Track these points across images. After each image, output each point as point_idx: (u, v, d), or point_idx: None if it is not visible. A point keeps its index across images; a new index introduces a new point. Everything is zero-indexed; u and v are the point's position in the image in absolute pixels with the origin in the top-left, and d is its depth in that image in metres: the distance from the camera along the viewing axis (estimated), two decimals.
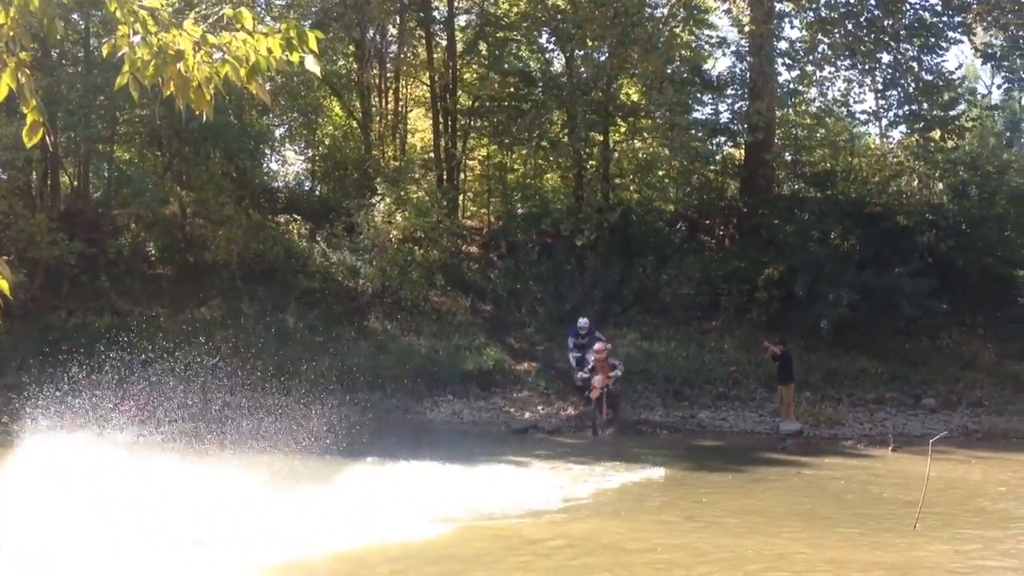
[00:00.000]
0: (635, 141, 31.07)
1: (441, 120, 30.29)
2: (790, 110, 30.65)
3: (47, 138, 4.94)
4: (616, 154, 30.17)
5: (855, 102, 30.84)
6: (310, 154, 33.01)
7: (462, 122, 30.73)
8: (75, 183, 27.56)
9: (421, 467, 15.11)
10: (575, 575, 9.85)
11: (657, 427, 21.07)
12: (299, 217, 27.77)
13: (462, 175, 31.47)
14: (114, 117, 25.84)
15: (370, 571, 9.80)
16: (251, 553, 9.94)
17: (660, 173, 30.86)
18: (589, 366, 20.45)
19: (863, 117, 31.82)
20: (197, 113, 5.57)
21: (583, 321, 21.96)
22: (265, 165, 30.98)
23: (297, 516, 11.27)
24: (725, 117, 30.40)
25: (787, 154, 30.71)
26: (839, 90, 30.49)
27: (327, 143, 32.38)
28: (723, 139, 30.60)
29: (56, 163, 26.34)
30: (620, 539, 11.20)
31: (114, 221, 26.38)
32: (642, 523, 12.03)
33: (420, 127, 33.52)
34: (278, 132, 31.38)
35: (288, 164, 33.54)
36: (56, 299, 23.96)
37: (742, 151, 30.40)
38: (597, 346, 20.31)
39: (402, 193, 26.67)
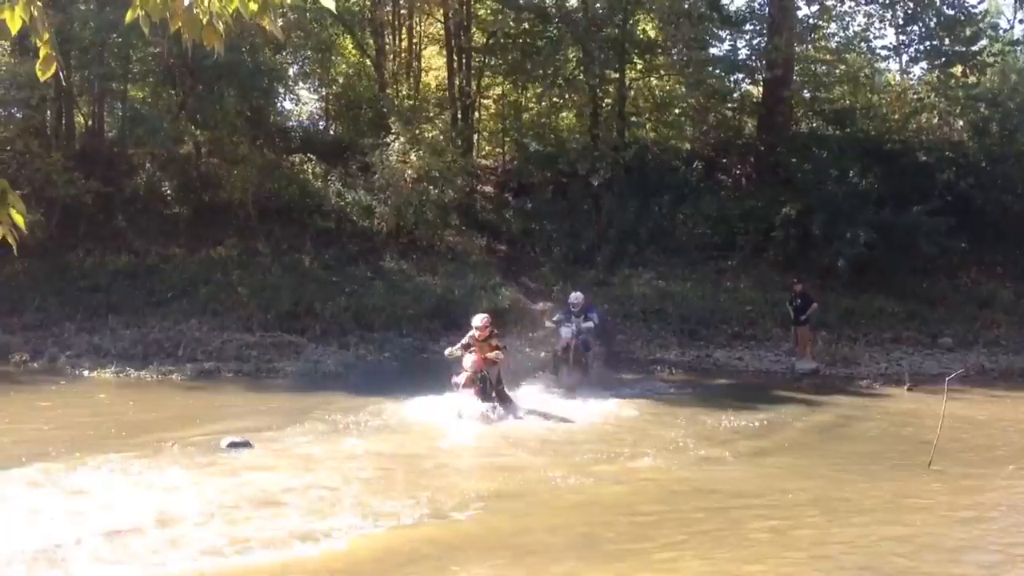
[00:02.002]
0: (651, 78, 30.67)
1: (455, 58, 29.96)
2: (809, 46, 30.21)
3: (60, 75, 4.89)
4: (632, 92, 29.85)
5: (875, 37, 30.47)
6: (324, 93, 32.77)
7: (476, 60, 30.39)
8: (90, 122, 27.49)
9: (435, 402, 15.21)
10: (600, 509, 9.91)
11: (672, 366, 21.09)
12: (313, 156, 27.62)
13: (476, 114, 31.22)
14: (127, 55, 25.68)
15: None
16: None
17: (676, 111, 30.55)
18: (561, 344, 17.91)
19: (883, 53, 31.37)
20: (210, 49, 5.50)
21: (576, 295, 18.42)
22: (279, 104, 30.81)
23: None
24: (743, 53, 30.08)
25: (806, 91, 30.33)
26: (859, 25, 30.10)
27: (341, 82, 32.11)
28: (741, 76, 30.26)
29: (70, 102, 26.26)
30: (622, 474, 11.27)
31: (129, 160, 26.36)
32: (645, 459, 12.08)
33: (434, 65, 33.18)
34: (292, 70, 31.11)
35: (302, 103, 33.33)
36: (73, 238, 24.01)
37: (760, 88, 30.04)
38: (477, 321, 15.07)
39: (416, 132, 26.50)
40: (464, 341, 14.94)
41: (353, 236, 25.77)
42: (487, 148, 32.44)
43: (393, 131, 26.22)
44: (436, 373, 16.29)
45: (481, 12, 30.45)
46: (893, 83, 32.22)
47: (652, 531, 9.05)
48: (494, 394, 14.89)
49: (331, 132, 31.91)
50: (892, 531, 9.11)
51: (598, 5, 28.49)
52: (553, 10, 29.43)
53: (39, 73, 5.39)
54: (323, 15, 28.48)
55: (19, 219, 5.19)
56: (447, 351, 14.98)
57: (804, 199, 25.32)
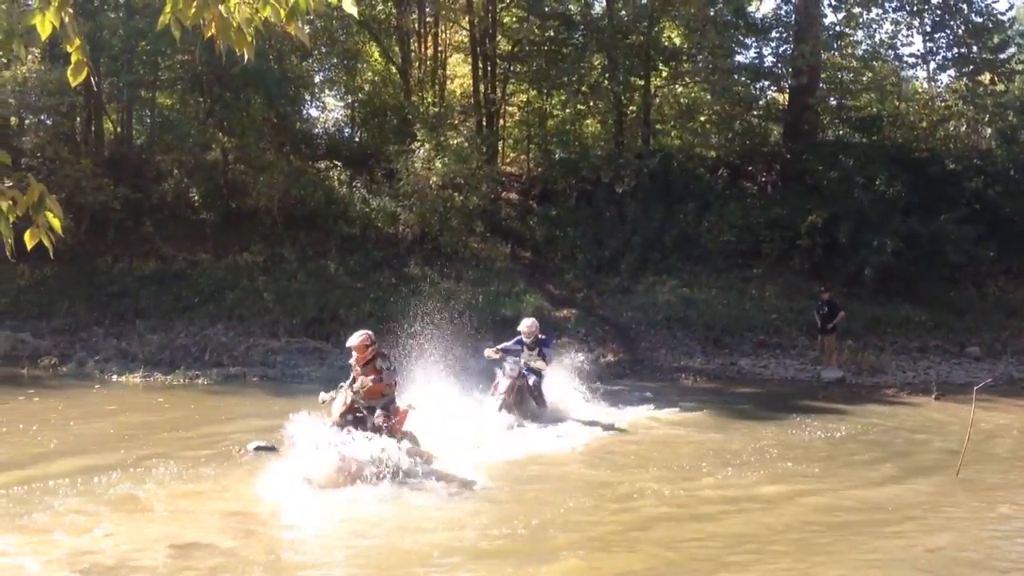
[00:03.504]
0: (676, 85, 30.65)
1: (480, 65, 30.06)
2: (836, 53, 30.11)
3: (91, 80, 4.95)
4: (657, 99, 29.84)
5: (903, 45, 30.53)
6: (349, 100, 32.95)
7: (501, 67, 30.49)
8: (118, 129, 27.79)
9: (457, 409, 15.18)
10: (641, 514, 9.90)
11: (696, 374, 21.02)
12: (339, 163, 27.82)
13: (501, 121, 31.30)
14: (156, 63, 25.95)
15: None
16: None
17: (702, 118, 30.48)
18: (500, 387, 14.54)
19: (911, 60, 31.23)
20: (239, 56, 5.56)
21: (528, 322, 15.14)
22: (305, 111, 31.05)
23: None
24: (769, 61, 30.04)
25: (832, 98, 30.19)
26: (886, 32, 29.91)
27: (366, 89, 32.28)
28: (766, 83, 30.19)
29: (99, 109, 26.55)
30: (643, 479, 11.25)
31: (157, 167, 26.61)
32: (673, 465, 12.03)
33: (459, 72, 33.31)
34: (318, 78, 31.35)
35: (328, 110, 33.58)
36: (102, 244, 24.28)
37: (786, 95, 29.93)
38: (352, 341, 11.14)
39: (441, 139, 26.62)
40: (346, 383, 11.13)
41: (378, 243, 25.89)
42: (512, 155, 32.49)
43: (418, 138, 26.35)
44: (456, 381, 16.28)
45: (506, 20, 30.55)
46: (920, 91, 32.04)
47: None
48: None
49: (356, 139, 32.10)
50: (920, 540, 9.05)
51: (623, 12, 28.52)
52: (578, 17, 29.50)
53: (70, 79, 5.46)
54: (349, 23, 28.68)
55: (55, 223, 5.27)
56: (320, 398, 11.00)
57: (830, 207, 25.19)
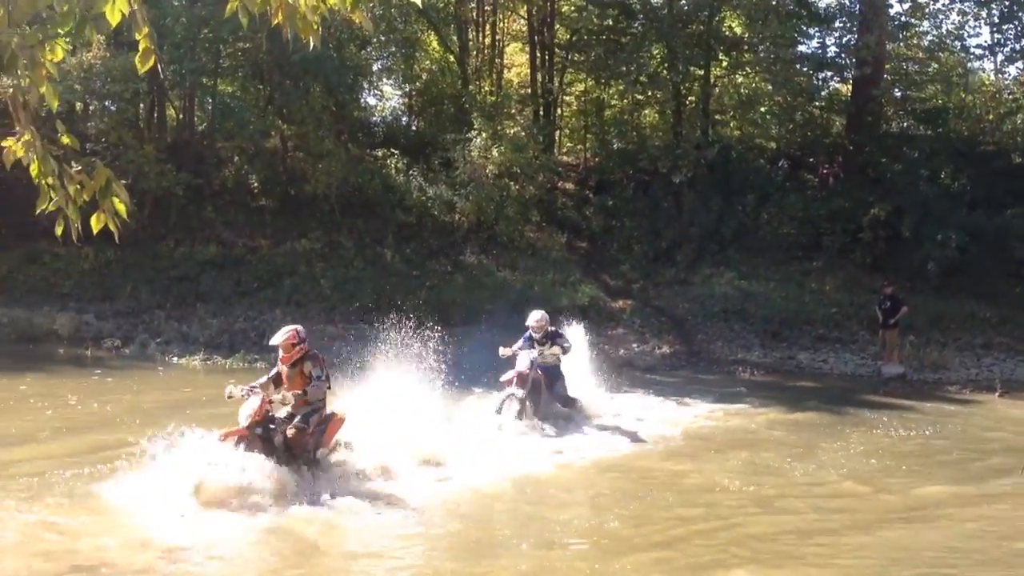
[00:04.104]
0: (737, 76, 30.29)
1: (538, 54, 29.99)
2: (901, 44, 29.57)
3: (159, 67, 4.98)
4: (717, 89, 29.52)
5: (970, 36, 29.89)
6: (407, 88, 33.05)
7: (559, 56, 30.37)
8: (181, 116, 28.18)
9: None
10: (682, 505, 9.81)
11: (754, 367, 20.79)
12: (396, 151, 27.93)
13: (558, 111, 31.19)
14: (218, 50, 26.22)
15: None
16: None
17: (762, 109, 30.09)
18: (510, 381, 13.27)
19: (977, 52, 30.72)
20: (304, 42, 5.56)
21: (536, 315, 13.74)
22: (363, 99, 31.17)
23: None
24: (832, 51, 29.56)
25: (896, 90, 29.67)
26: (953, 23, 29.33)
27: (424, 77, 32.34)
28: (829, 74, 29.74)
29: (162, 96, 26.93)
30: (701, 477, 11.13)
31: (218, 153, 26.94)
32: (731, 462, 11.89)
33: (517, 62, 33.25)
34: (376, 66, 31.46)
35: (386, 98, 33.74)
36: (164, 229, 24.62)
37: (849, 86, 29.45)
38: (276, 340, 9.84)
39: (498, 128, 26.62)
40: (270, 375, 9.99)
41: (434, 231, 25.95)
42: (568, 145, 32.38)
43: (475, 127, 26.37)
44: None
45: (565, 8, 30.41)
46: (987, 83, 31.30)
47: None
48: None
49: (414, 128, 32.18)
50: (981, 541, 8.86)
51: (684, 1, 28.24)
52: (638, 6, 29.25)
53: (138, 66, 5.49)
54: (408, 11, 28.74)
55: (121, 208, 5.31)
56: (228, 392, 9.60)
57: (893, 200, 24.73)
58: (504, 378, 13.18)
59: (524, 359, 13.11)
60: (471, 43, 31.45)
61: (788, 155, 29.20)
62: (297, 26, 5.48)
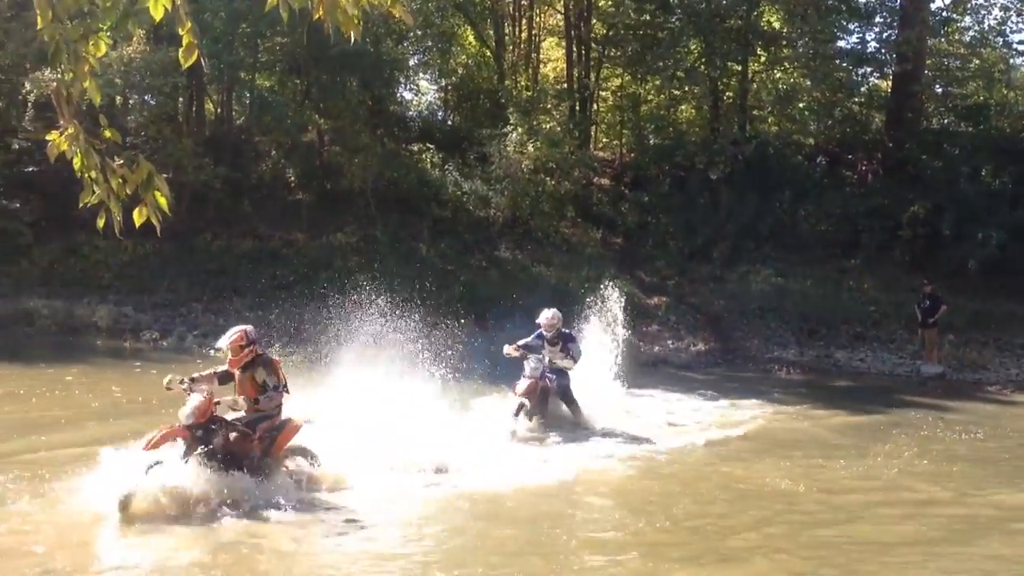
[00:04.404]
0: (775, 71, 30.00)
1: (574, 49, 29.86)
2: (942, 39, 29.13)
3: (202, 61, 5.00)
4: (755, 84, 29.26)
5: (1012, 31, 29.25)
6: (443, 83, 33.08)
7: (595, 51, 30.22)
8: (219, 110, 28.40)
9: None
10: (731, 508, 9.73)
11: (790, 365, 20.62)
12: (432, 146, 27.97)
13: (594, 106, 31.07)
14: (256, 45, 26.41)
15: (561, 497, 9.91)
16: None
17: (801, 105, 29.78)
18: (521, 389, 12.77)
19: (1020, 47, 30.19)
20: (345, 36, 5.56)
21: (549, 314, 13.26)
22: (399, 94, 31.25)
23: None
24: (872, 46, 29.21)
25: (937, 86, 29.28)
26: (995, 19, 28.87)
27: (460, 72, 32.35)
28: (869, 69, 29.40)
29: (201, 90, 27.15)
30: (733, 476, 11.05)
31: (256, 147, 27.12)
32: (765, 462, 11.77)
33: (553, 56, 33.17)
34: (412, 61, 31.53)
35: (421, 93, 33.78)
36: (201, 222, 24.83)
37: (889, 82, 29.10)
38: (222, 342, 9.70)
39: (534, 123, 26.56)
40: (216, 370, 9.65)
41: (469, 225, 25.96)
42: (604, 140, 32.26)
43: (511, 122, 26.33)
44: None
45: (601, 3, 30.24)
46: None
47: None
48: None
49: (449, 122, 32.21)
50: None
51: None
52: (675, 1, 29.05)
53: (181, 60, 5.51)
54: (445, 5, 28.78)
55: (163, 202, 5.34)
56: (167, 381, 9.22)
57: (934, 197, 24.41)
58: (519, 390, 12.60)
59: (533, 366, 12.68)
60: (507, 38, 31.42)
61: (826, 151, 28.89)
62: (338, 20, 5.48)
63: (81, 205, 5.03)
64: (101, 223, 4.86)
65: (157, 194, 5.30)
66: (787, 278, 24.11)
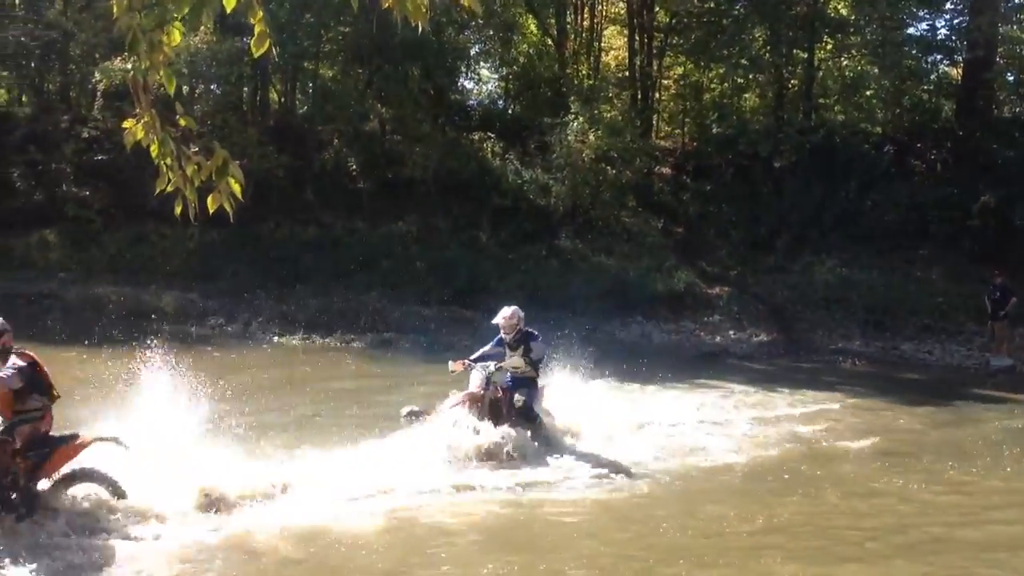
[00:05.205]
0: (842, 59, 29.50)
1: (637, 37, 29.62)
2: (1014, 26, 28.37)
3: (273, 50, 5.04)
4: (821, 72, 28.80)
5: None
6: (504, 72, 33.05)
7: (658, 39, 29.97)
8: (282, 99, 28.70)
9: (617, 388, 15.05)
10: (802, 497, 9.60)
11: (855, 357, 20.32)
12: (493, 135, 28.00)
13: (656, 94, 30.82)
14: (319, 34, 26.61)
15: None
16: None
17: (868, 93, 29.24)
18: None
19: None
20: (413, 25, 5.57)
21: (507, 312, 10.97)
22: (460, 83, 31.31)
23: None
24: (942, 33, 28.62)
25: (1009, 74, 28.51)
26: None
27: (521, 61, 32.29)
28: (939, 57, 28.77)
29: (265, 79, 27.47)
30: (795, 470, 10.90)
31: (318, 136, 27.36)
32: (828, 455, 11.59)
33: (615, 45, 32.95)
34: (474, 50, 31.53)
35: (482, 82, 33.78)
36: (265, 210, 25.11)
37: (959, 70, 28.42)
38: None
39: (595, 112, 26.44)
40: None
41: (529, 215, 25.94)
42: (666, 129, 31.98)
43: (572, 111, 26.24)
44: (608, 354, 16.17)
45: None
46: None
47: None
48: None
49: (510, 111, 32.18)
50: None
51: None
52: None
53: (253, 49, 5.56)
54: None
55: (236, 188, 5.39)
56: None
57: (1005, 187, 23.82)
58: (450, 404, 10.66)
59: (477, 376, 10.79)
60: (569, 26, 31.29)
61: (894, 140, 28.32)
62: (407, 9, 5.49)
63: (157, 192, 5.09)
64: (179, 210, 4.92)
65: (231, 181, 5.37)
66: (852, 268, 23.73)
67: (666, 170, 28.94)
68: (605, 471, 10.22)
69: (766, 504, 9.32)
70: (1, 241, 23.87)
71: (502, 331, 10.89)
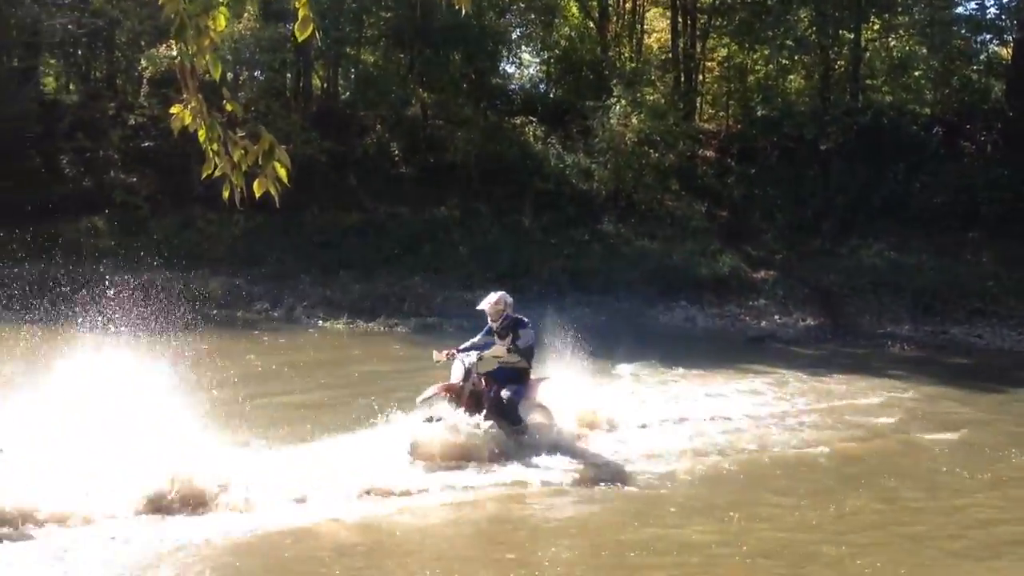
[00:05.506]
0: (889, 39, 28.98)
1: (680, 19, 29.34)
2: None
3: (317, 34, 5.02)
4: (868, 53, 28.32)
5: None
6: (546, 56, 32.89)
7: (702, 21, 29.64)
8: (325, 85, 28.80)
9: (656, 374, 14.97)
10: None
11: (903, 341, 20.03)
12: (534, 119, 27.90)
13: (700, 77, 30.51)
14: (361, 20, 26.65)
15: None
16: None
17: (916, 73, 28.71)
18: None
19: None
20: (457, 9, 5.53)
21: (494, 298, 10.11)
22: (501, 67, 31.21)
23: None
24: (992, 12, 27.97)
25: None
26: None
27: (563, 44, 32.10)
28: (988, 36, 28.13)
29: (308, 65, 27.57)
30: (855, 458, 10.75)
31: (360, 122, 27.43)
32: (894, 446, 11.39)
33: (657, 27, 32.64)
34: (515, 33, 31.42)
35: (524, 66, 33.64)
36: (309, 196, 25.24)
37: (1009, 50, 27.85)
38: None
39: (638, 95, 26.22)
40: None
41: (572, 199, 25.85)
42: (710, 112, 31.65)
43: (614, 94, 26.06)
44: (651, 339, 16.08)
45: None
46: None
47: None
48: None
49: (552, 95, 32.02)
50: None
51: None
52: None
53: (297, 33, 5.55)
54: None
55: (282, 173, 5.41)
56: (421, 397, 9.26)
57: None
58: (422, 397, 9.67)
59: (458, 367, 9.87)
60: (611, 8, 31.05)
61: (943, 121, 27.79)
62: None
63: (204, 177, 5.11)
64: (226, 194, 4.94)
65: (278, 165, 5.38)
66: (901, 252, 23.40)
67: (710, 153, 28.68)
68: (596, 470, 9.46)
69: (836, 498, 8.86)
70: (50, 227, 24.21)
71: (488, 318, 10.11)
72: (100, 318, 9.74)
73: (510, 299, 10.10)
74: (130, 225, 24.40)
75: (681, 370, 15.19)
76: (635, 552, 7.29)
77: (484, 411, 9.56)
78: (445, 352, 9.97)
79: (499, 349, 9.89)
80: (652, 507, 8.44)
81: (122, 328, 9.28)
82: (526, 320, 10.12)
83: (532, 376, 10.24)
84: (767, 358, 16.98)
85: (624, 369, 15.03)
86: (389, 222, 24.84)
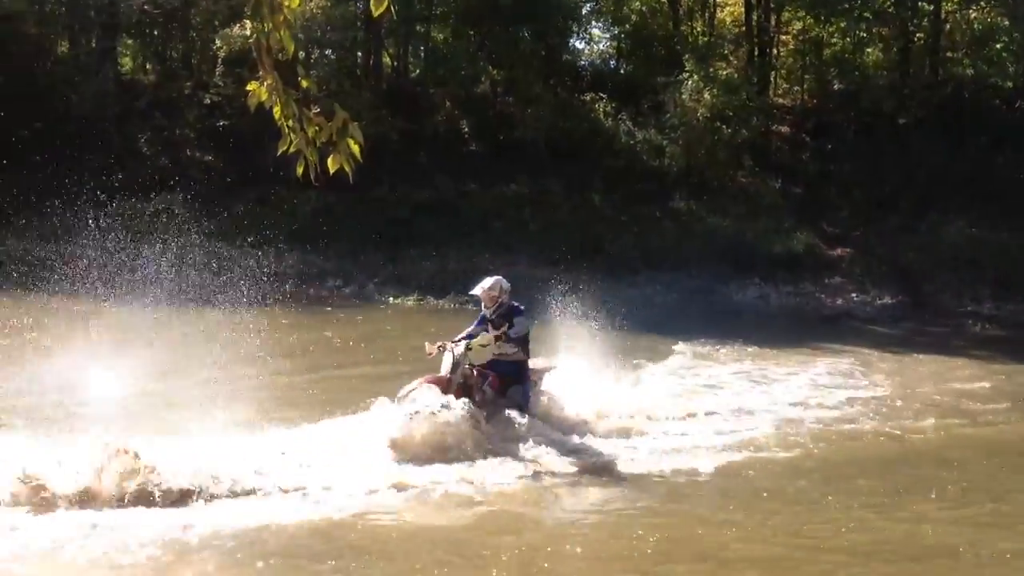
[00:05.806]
0: (970, 10, 28.11)
1: None
2: None
3: (392, 9, 4.99)
4: (948, 25, 27.53)
5: None
6: (616, 31, 32.56)
7: None
8: (395, 63, 28.91)
9: (730, 353, 14.79)
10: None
11: (985, 320, 19.53)
12: (605, 95, 27.67)
13: (774, 50, 29.94)
14: None
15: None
16: None
17: (998, 46, 27.81)
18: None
19: None
20: None
21: (489, 283, 9.39)
22: (571, 43, 31.01)
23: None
24: None
25: None
26: None
27: (634, 19, 31.74)
28: None
29: (378, 44, 27.68)
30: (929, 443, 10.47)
31: (430, 99, 27.49)
32: (955, 427, 11.07)
33: (730, 0, 32.10)
34: (585, 9, 31.16)
35: (594, 41, 33.37)
36: (380, 174, 25.38)
37: None
38: None
39: (710, 70, 25.88)
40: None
41: (643, 175, 25.62)
42: (784, 86, 31.06)
43: (686, 69, 25.73)
44: (723, 317, 15.89)
45: None
46: None
47: None
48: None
49: (622, 71, 31.72)
50: None
51: None
52: None
53: (373, 8, 5.53)
54: None
55: (356, 149, 5.42)
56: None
57: None
58: (406, 390, 8.91)
59: (448, 359, 9.14)
60: None
61: None
62: None
63: (279, 153, 5.14)
64: (300, 170, 4.97)
65: (351, 142, 5.39)
66: (982, 228, 22.79)
67: (784, 128, 28.18)
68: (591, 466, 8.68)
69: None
70: (129, 205, 24.73)
71: (483, 305, 9.40)
72: (180, 295, 9.91)
73: (507, 285, 9.35)
74: (206, 203, 24.79)
75: (754, 348, 14.97)
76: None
77: (480, 404, 8.88)
78: (437, 345, 9.19)
79: (487, 337, 9.12)
80: (674, 503, 7.76)
81: (200, 303, 9.47)
82: (522, 308, 9.39)
83: (532, 365, 9.56)
84: (845, 337, 16.67)
85: (683, 347, 14.85)
86: (459, 200, 24.88)
